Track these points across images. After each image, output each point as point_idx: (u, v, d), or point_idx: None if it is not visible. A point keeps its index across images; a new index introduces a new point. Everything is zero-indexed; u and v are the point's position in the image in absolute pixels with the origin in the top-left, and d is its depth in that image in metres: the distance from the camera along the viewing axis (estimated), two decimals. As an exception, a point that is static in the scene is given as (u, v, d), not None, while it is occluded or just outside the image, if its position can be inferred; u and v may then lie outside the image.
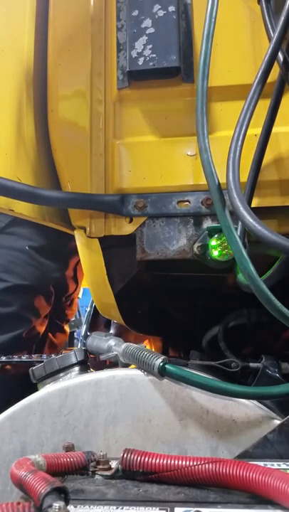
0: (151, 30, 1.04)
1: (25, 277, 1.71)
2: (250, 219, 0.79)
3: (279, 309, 0.78)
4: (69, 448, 0.78)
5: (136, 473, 0.69)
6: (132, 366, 0.92)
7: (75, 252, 1.86)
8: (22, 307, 1.71)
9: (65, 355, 1.00)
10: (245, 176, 0.97)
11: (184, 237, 1.05)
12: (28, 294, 1.73)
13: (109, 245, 1.13)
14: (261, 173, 1.00)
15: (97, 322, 2.40)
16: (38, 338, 1.82)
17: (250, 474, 0.60)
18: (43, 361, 1.02)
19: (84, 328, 2.73)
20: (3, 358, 1.41)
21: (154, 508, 0.58)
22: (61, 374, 0.99)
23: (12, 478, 0.60)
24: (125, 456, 0.69)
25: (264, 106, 0.97)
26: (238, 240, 0.84)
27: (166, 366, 0.82)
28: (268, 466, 0.66)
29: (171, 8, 1.04)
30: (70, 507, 0.58)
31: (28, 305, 1.72)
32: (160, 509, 0.58)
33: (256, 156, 0.99)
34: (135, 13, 1.06)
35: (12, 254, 1.72)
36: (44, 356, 1.29)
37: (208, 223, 1.04)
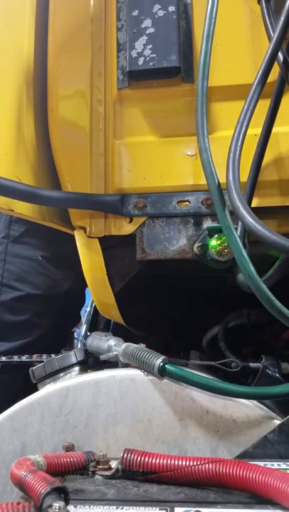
0: (151, 30, 1.04)
1: (38, 286, 1.72)
2: (250, 219, 0.79)
3: (279, 309, 0.78)
4: (69, 448, 0.78)
5: (136, 473, 0.69)
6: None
7: None
8: (34, 315, 1.72)
9: (65, 355, 1.01)
10: (245, 176, 0.97)
11: (184, 237, 1.05)
12: (40, 303, 1.73)
13: (109, 245, 1.13)
14: (261, 173, 1.00)
15: (97, 322, 2.41)
16: (48, 344, 1.82)
17: (250, 474, 0.60)
18: (43, 361, 1.02)
19: (84, 328, 2.73)
20: (3, 358, 1.41)
21: (154, 508, 0.58)
22: (61, 374, 0.99)
23: (12, 478, 0.60)
24: (125, 456, 0.69)
25: (264, 106, 0.97)
26: (238, 240, 0.84)
27: (166, 366, 0.82)
28: (268, 466, 0.66)
29: (171, 8, 1.04)
30: (70, 507, 0.58)
31: (40, 312, 1.73)
32: (160, 509, 0.58)
33: (256, 156, 0.99)
34: (135, 13, 1.06)
35: (25, 264, 1.73)
36: (44, 356, 1.29)
37: (208, 223, 1.04)
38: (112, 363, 0.97)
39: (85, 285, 2.00)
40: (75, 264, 1.85)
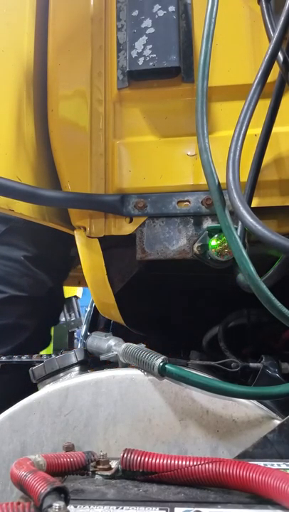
0: (151, 30, 1.04)
1: (22, 288, 1.70)
2: (250, 219, 0.79)
3: (279, 309, 0.78)
4: (69, 448, 0.78)
5: (136, 473, 0.69)
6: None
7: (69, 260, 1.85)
8: (19, 317, 1.70)
9: (65, 355, 1.00)
10: (245, 176, 0.97)
11: (184, 237, 1.05)
12: (25, 305, 1.72)
13: (109, 245, 1.13)
14: (261, 173, 1.00)
15: (97, 322, 2.41)
16: (37, 346, 1.81)
17: (250, 474, 0.60)
18: (43, 361, 1.02)
19: (84, 328, 2.73)
20: (3, 358, 1.41)
21: (154, 508, 0.58)
22: (61, 374, 0.99)
23: (12, 478, 0.60)
24: (125, 456, 0.69)
25: (264, 106, 0.97)
26: (238, 240, 0.84)
27: (166, 366, 0.82)
28: (268, 466, 0.66)
29: (171, 8, 1.04)
30: (70, 507, 0.58)
31: (25, 314, 1.72)
32: (160, 509, 0.58)
33: (256, 156, 0.99)
34: (135, 13, 1.06)
35: (7, 265, 1.71)
36: (44, 356, 1.29)
37: (208, 223, 1.04)
38: (112, 363, 0.97)
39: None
40: (59, 263, 1.84)
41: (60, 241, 1.63)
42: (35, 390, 0.95)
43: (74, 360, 0.99)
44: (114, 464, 0.72)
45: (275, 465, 0.70)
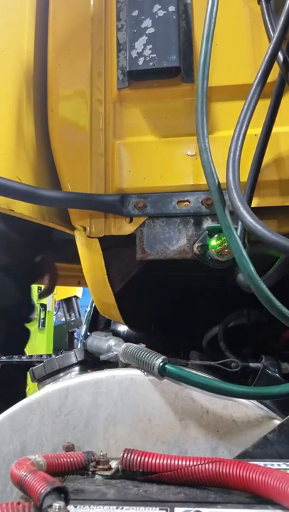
0: (151, 30, 1.04)
1: None
2: (250, 219, 0.79)
3: (279, 309, 0.78)
4: (69, 448, 0.78)
5: (136, 473, 0.69)
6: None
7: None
8: None
9: (65, 355, 1.01)
10: (245, 176, 0.97)
11: (184, 237, 1.05)
12: None
13: (109, 245, 1.13)
14: (261, 173, 1.00)
15: (97, 322, 2.41)
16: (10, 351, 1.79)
17: (250, 474, 0.60)
18: (43, 361, 1.02)
19: (84, 328, 2.74)
20: (4, 358, 1.41)
21: (154, 508, 0.58)
22: (61, 374, 0.99)
23: (12, 478, 0.60)
24: (125, 456, 0.69)
25: (264, 106, 0.97)
26: (238, 240, 0.84)
27: (166, 366, 0.82)
28: (268, 466, 0.66)
29: (171, 8, 1.04)
30: (70, 507, 0.58)
31: None
32: (160, 509, 0.58)
33: (256, 156, 0.99)
34: (135, 13, 1.06)
35: None
36: (44, 356, 1.29)
37: (208, 223, 1.04)
38: (112, 363, 0.97)
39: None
40: (28, 272, 1.81)
41: (30, 249, 1.61)
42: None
43: (74, 360, 1.00)
44: (114, 464, 0.72)
45: (275, 465, 0.70)
